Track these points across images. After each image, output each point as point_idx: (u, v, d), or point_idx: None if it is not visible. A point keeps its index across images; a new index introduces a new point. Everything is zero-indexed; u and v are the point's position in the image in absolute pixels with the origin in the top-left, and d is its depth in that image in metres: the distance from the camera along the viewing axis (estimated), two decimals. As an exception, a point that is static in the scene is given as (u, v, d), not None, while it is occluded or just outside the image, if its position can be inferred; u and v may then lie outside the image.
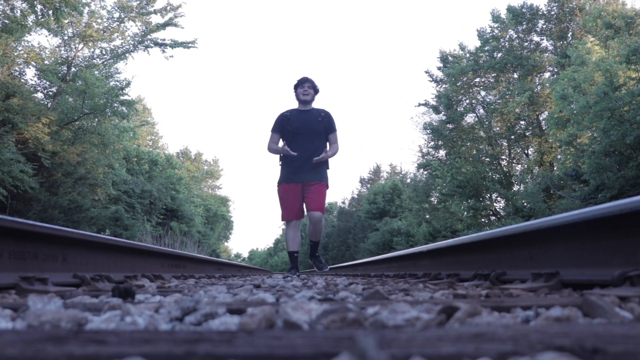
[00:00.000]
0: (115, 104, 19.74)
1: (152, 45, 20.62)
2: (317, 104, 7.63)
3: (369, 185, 52.26)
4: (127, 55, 20.59)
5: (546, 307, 1.27)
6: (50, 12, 15.82)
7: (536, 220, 2.50)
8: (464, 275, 3.24)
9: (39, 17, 15.93)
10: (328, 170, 6.96)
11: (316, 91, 6.98)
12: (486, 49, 26.87)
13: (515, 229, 2.71)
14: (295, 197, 6.65)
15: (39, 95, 19.11)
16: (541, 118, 26.11)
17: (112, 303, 1.19)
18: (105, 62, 20.55)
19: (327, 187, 6.85)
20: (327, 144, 6.95)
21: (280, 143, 6.93)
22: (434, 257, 4.42)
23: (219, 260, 8.65)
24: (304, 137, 6.69)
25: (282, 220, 6.82)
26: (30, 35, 17.21)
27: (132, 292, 1.63)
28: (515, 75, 26.89)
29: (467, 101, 27.98)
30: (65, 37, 19.25)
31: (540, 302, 1.36)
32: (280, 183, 6.75)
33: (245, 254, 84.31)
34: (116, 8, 20.27)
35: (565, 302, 1.31)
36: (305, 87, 6.86)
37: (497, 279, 2.68)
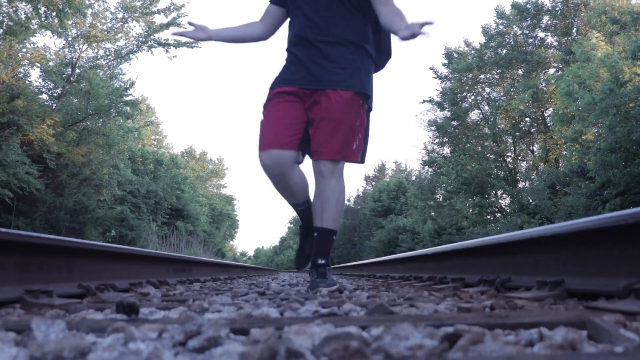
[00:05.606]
0: (120, 104, 19.82)
1: (156, 45, 20.67)
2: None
3: (373, 183, 52.23)
4: (131, 55, 20.63)
5: (550, 325, 1.27)
6: (54, 13, 15.86)
7: (541, 227, 2.49)
8: (469, 280, 3.23)
9: (43, 19, 15.98)
10: (368, 69, 3.40)
11: None
12: (491, 45, 26.82)
13: (520, 235, 2.71)
14: (285, 112, 3.23)
15: (44, 96, 19.20)
16: (546, 114, 26.04)
17: (116, 325, 1.19)
18: (109, 63, 20.60)
19: (366, 104, 3.38)
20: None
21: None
22: (439, 260, 4.42)
23: (224, 263, 8.67)
24: (314, 4, 3.29)
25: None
26: (35, 36, 17.27)
27: (136, 308, 1.63)
28: (520, 72, 26.82)
29: (472, 98, 27.93)
30: (69, 38, 19.31)
31: (545, 317, 1.35)
32: (271, 88, 3.35)
33: (251, 253, 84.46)
34: (120, 8, 20.33)
35: (569, 319, 1.31)
36: None
37: (502, 285, 2.68)
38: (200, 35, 3.42)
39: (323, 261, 3.21)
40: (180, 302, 2.40)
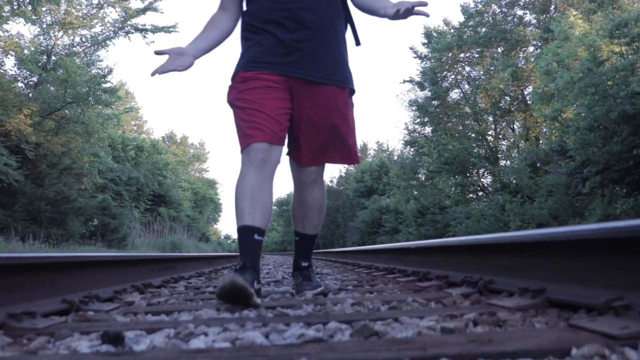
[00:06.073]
0: (98, 92, 19.56)
1: (133, 31, 20.35)
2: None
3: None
4: (107, 42, 20.31)
5: (532, 354, 1.30)
6: (27, 0, 15.53)
7: (522, 232, 2.53)
8: (453, 278, 3.27)
9: (15, 6, 15.64)
10: (347, 56, 2.97)
11: None
12: (470, 24, 26.82)
13: (503, 238, 2.75)
14: (273, 99, 2.70)
15: (20, 85, 18.85)
16: (526, 93, 26.20)
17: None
18: (85, 50, 20.26)
19: (351, 100, 2.98)
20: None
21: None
22: (423, 254, 4.46)
23: (207, 255, 8.67)
24: None
25: (242, 147, 2.68)
26: (8, 24, 16.91)
27: (121, 338, 1.63)
28: (500, 50, 26.90)
29: (452, 77, 27.99)
30: (44, 26, 18.94)
31: (527, 343, 1.37)
32: (237, 72, 2.85)
33: (236, 235, 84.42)
34: (95, -6, 19.95)
35: (551, 346, 1.34)
36: None
37: (485, 287, 2.72)
38: (185, 62, 2.81)
39: (306, 264, 3.15)
40: (167, 313, 2.42)
